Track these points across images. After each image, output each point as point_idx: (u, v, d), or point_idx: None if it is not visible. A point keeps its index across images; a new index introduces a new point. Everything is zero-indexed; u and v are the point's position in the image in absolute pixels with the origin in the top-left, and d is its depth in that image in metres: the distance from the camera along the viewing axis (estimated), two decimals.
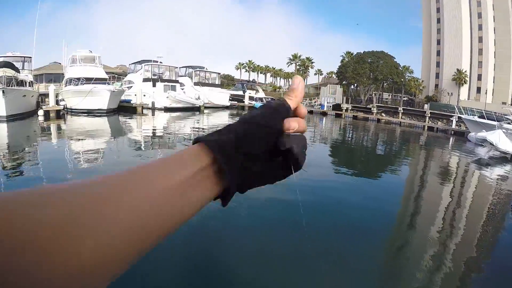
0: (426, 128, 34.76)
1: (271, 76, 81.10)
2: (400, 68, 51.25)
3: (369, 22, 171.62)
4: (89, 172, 7.94)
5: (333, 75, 65.46)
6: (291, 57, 72.28)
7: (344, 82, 53.20)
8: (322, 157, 11.83)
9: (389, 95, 57.51)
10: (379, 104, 46.08)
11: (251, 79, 73.68)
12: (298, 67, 72.26)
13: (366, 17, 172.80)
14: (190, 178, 0.35)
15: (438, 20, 65.37)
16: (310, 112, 41.43)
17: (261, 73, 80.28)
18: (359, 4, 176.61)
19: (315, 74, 79.62)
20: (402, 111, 41.38)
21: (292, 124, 0.41)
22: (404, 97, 53.92)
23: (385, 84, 52.84)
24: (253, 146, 0.39)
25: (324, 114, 41.66)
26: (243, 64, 79.22)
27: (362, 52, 52.62)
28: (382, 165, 12.36)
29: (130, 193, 0.31)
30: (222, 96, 35.64)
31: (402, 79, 51.12)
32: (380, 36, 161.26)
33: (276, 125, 0.41)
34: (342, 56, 62.48)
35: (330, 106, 44.01)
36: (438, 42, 65.21)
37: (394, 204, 7.33)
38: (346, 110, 42.70)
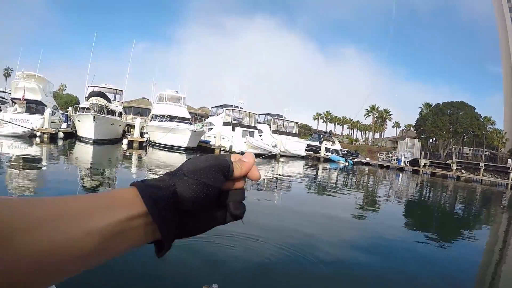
0: (510, 186, 30.47)
1: (348, 127, 78.88)
2: (481, 120, 47.21)
3: (448, 70, 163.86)
4: None
5: (411, 128, 62.43)
6: (369, 109, 69.94)
7: (422, 136, 50.18)
8: (395, 217, 10.28)
9: (469, 150, 52.41)
10: (459, 160, 41.71)
11: (328, 130, 72.38)
12: (375, 119, 70.25)
13: (444, 65, 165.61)
14: (117, 225, 0.34)
15: None
16: (387, 167, 39.30)
17: (338, 124, 78.83)
18: (436, 53, 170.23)
19: (393, 126, 75.36)
20: (483, 167, 37.05)
21: (233, 185, 0.44)
22: (485, 151, 48.02)
23: (465, 137, 48.37)
24: (192, 205, 0.39)
25: (400, 169, 38.51)
26: (320, 114, 78.85)
27: (441, 103, 49.48)
28: (457, 228, 10.17)
29: (50, 225, 0.29)
30: (298, 146, 34.91)
31: (483, 131, 46.42)
32: (459, 84, 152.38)
33: (219, 186, 0.41)
34: (420, 107, 59.48)
35: (407, 161, 40.70)
36: None
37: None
38: (424, 166, 39.16)
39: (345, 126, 79.04)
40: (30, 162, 11.92)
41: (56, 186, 8.44)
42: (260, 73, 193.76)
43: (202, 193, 0.38)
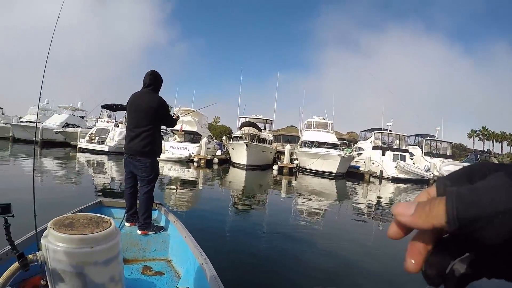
0: None
1: (508, 144, 65.59)
2: None
3: None
4: (309, 229, 7.31)
5: None
6: None
7: None
8: None
9: None
10: None
11: (485, 149, 60.47)
12: None
13: None
14: None
15: None
16: None
17: (496, 141, 66.93)
18: None
19: None
20: None
21: None
22: None
23: None
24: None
25: None
26: (476, 131, 68.86)
27: None
28: None
29: None
30: (454, 169, 29.29)
31: None
32: None
33: None
34: None
35: None
36: None
37: None
38: None
39: (505, 143, 66.79)
40: (188, 183, 12.91)
41: (210, 205, 8.79)
42: (404, 90, 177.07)
43: None
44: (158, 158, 3.47)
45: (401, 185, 21.84)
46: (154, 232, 3.18)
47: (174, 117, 3.71)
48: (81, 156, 20.40)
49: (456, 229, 0.26)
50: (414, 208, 0.29)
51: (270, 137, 29.45)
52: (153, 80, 3.50)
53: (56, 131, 28.25)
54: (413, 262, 0.30)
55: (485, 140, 68.11)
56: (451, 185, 0.30)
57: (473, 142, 69.20)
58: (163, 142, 24.88)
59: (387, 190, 18.78)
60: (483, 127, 68.43)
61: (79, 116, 34.99)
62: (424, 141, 33.78)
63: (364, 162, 26.01)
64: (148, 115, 3.31)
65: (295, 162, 26.06)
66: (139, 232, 3.15)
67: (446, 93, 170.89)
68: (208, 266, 2.18)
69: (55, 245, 1.38)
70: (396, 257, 4.87)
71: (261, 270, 4.18)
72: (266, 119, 33.19)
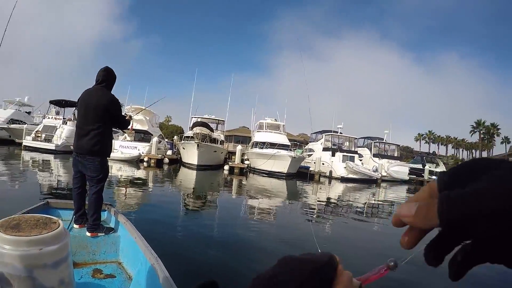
0: None
1: (452, 147, 72.17)
2: None
3: None
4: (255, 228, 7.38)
5: None
6: (474, 125, 63.35)
7: None
8: None
9: None
10: None
11: (431, 151, 65.60)
12: (482, 135, 63.06)
13: None
14: None
15: None
16: None
17: (442, 144, 72.96)
18: None
19: (502, 142, 66.02)
20: None
21: None
22: None
23: None
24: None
25: None
26: (422, 135, 74.06)
27: None
28: None
29: None
30: (400, 170, 32.26)
31: None
32: None
33: None
34: None
35: None
36: None
37: None
38: None
39: (450, 146, 72.59)
40: (137, 183, 12.57)
41: (160, 205, 8.67)
42: (356, 95, 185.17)
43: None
44: (107, 158, 3.37)
45: (350, 185, 22.83)
46: (104, 234, 3.10)
47: (126, 118, 3.64)
48: (26, 155, 19.01)
49: (448, 229, 0.30)
50: (415, 210, 0.31)
51: (222, 137, 29.47)
52: (106, 77, 3.39)
53: (0, 127, 26.20)
54: (407, 239, 0.33)
55: (431, 143, 73.23)
56: (449, 181, 0.33)
57: (420, 145, 73.94)
58: (112, 141, 23.97)
59: (336, 189, 19.58)
60: (429, 131, 73.54)
61: (25, 112, 32.41)
62: (373, 143, 35.47)
63: (315, 162, 26.71)
64: (99, 112, 3.21)
65: (246, 162, 26.23)
66: (88, 234, 3.06)
67: (396, 99, 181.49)
68: (160, 266, 2.16)
69: (1, 248, 1.32)
70: (346, 252, 5.12)
71: (213, 268, 4.22)
72: (218, 120, 33.12)
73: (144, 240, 2.67)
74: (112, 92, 3.47)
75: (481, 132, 63.69)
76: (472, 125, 64.59)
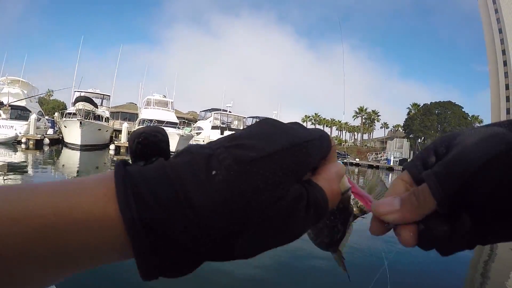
0: None
1: (336, 129, 79.27)
2: (469, 118, 49.54)
3: (435, 69, 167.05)
4: None
5: (399, 129, 64.48)
6: (357, 110, 70.83)
7: (411, 136, 51.78)
8: None
9: None
10: None
11: None
12: (363, 120, 70.85)
13: (432, 65, 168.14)
14: (66, 221, 0.21)
15: (505, 63, 57.95)
16: (376, 167, 40.07)
17: (327, 126, 78.60)
18: (423, 53, 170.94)
19: (381, 127, 75.76)
20: None
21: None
22: None
23: None
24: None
25: (390, 169, 38.93)
26: (309, 117, 79.31)
27: (429, 103, 51.48)
28: None
29: None
30: None
31: None
32: (446, 84, 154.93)
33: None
34: (408, 108, 61.40)
35: (397, 161, 41.22)
36: (507, 87, 57.23)
37: None
38: None
39: (334, 128, 79.69)
40: (15, 169, 11.79)
41: None
42: (249, 75, 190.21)
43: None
44: None
45: None
46: None
47: None
48: None
49: (448, 205, 0.27)
50: (399, 205, 0.29)
51: (107, 114, 28.35)
52: None
53: None
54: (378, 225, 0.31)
55: (317, 124, 77.61)
56: (422, 165, 0.31)
57: (306, 126, 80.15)
58: None
59: None
60: (315, 114, 79.19)
61: None
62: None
63: (203, 141, 26.64)
64: None
65: None
66: None
67: (287, 81, 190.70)
68: None
69: None
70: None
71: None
72: (104, 94, 31.39)
73: None
74: None
75: (363, 117, 70.61)
76: (356, 111, 71.22)
